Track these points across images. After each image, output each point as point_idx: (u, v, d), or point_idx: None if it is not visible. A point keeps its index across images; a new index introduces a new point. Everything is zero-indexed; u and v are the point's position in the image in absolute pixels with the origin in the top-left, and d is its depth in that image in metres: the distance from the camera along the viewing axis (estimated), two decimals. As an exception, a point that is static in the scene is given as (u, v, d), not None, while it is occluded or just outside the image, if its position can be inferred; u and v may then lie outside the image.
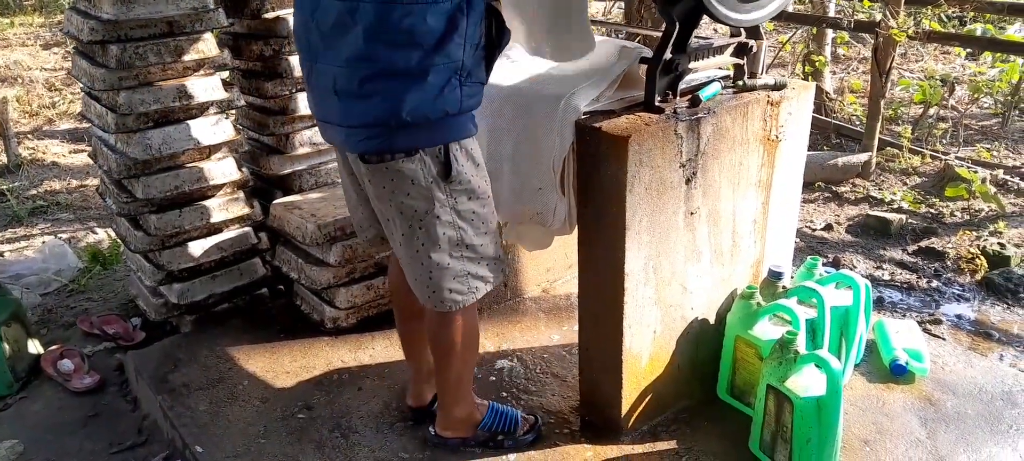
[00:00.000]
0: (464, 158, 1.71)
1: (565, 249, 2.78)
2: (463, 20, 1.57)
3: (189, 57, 2.56)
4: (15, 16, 9.45)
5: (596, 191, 1.90)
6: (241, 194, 2.77)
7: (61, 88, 6.68)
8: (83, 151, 5.22)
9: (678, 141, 1.88)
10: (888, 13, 4.09)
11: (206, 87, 2.62)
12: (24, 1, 10.02)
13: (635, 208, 1.85)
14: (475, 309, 1.92)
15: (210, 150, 2.68)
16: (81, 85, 2.69)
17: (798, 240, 3.54)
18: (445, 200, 1.70)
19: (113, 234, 3.48)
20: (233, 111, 2.96)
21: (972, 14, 5.50)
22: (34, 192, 4.69)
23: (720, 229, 2.07)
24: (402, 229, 1.74)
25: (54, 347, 2.79)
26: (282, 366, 2.47)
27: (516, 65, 2.18)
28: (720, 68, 2.11)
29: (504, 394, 2.29)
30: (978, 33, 6.04)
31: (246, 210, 2.76)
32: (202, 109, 2.64)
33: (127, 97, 2.48)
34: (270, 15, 2.79)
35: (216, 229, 2.72)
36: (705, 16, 1.89)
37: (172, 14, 2.48)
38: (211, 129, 2.65)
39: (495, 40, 1.68)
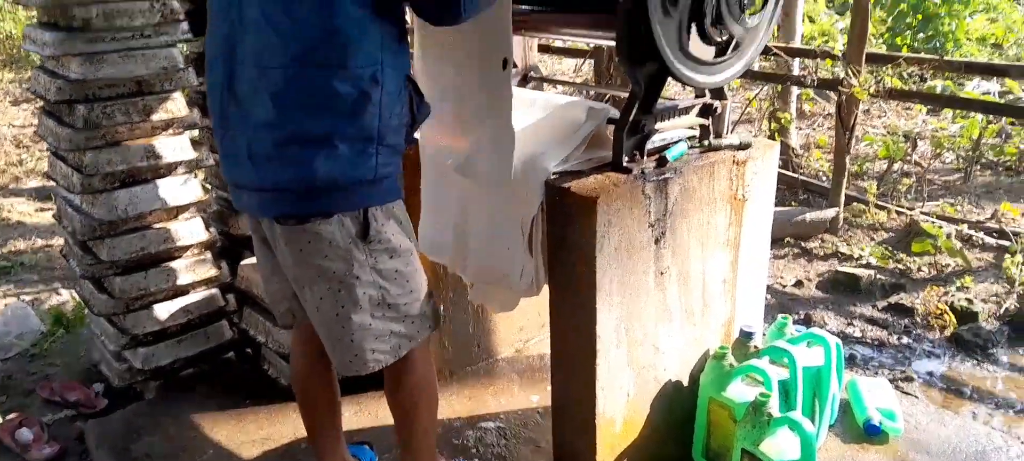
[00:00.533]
0: (384, 217, 1.68)
1: (538, 307, 2.76)
2: (376, 89, 1.57)
3: (158, 116, 2.54)
4: (-15, 73, 9.38)
5: (566, 252, 1.90)
6: (209, 255, 2.73)
7: (29, 145, 6.60)
8: (50, 209, 5.13)
9: (646, 201, 1.90)
10: (850, 72, 4.20)
11: (175, 146, 2.60)
12: (-5, 57, 9.95)
13: (605, 269, 1.84)
14: (428, 354, 1.89)
15: (178, 210, 2.65)
16: (47, 145, 2.66)
17: (769, 297, 3.56)
18: (364, 261, 1.66)
19: (77, 296, 3.41)
20: (202, 170, 2.93)
21: (932, 71, 5.68)
22: (-3, 252, 4.59)
23: (690, 289, 2.08)
24: (321, 293, 1.68)
25: (12, 416, 2.69)
26: (248, 434, 2.40)
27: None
28: (689, 128, 2.14)
29: None
30: (938, 90, 6.22)
31: (214, 271, 2.72)
32: (170, 169, 2.62)
33: (93, 157, 2.45)
34: (241, 76, 2.79)
35: (183, 291, 2.67)
36: (670, 78, 1.93)
37: (141, 74, 2.47)
38: (179, 189, 2.62)
39: (415, 109, 1.69)
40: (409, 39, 1.73)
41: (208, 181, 3.06)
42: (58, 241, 4.68)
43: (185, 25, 2.52)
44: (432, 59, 2.06)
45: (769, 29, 2.07)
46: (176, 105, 2.58)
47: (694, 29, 1.89)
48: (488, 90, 1.93)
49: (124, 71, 2.43)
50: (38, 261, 4.47)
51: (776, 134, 5.32)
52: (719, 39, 1.96)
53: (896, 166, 5.31)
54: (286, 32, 1.53)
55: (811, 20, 9.25)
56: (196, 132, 2.81)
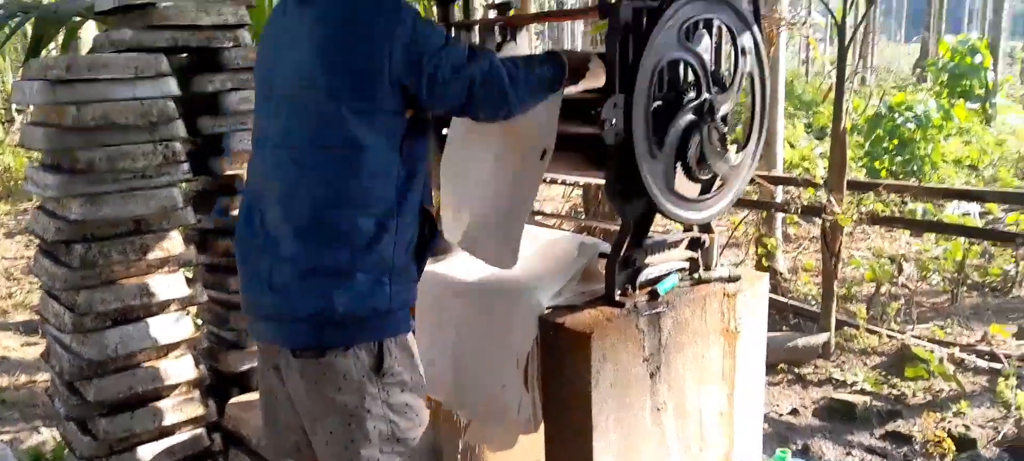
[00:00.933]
0: (398, 350, 1.70)
1: (532, 444, 2.70)
2: (394, 222, 1.64)
3: (154, 255, 2.57)
4: (-20, 205, 9.48)
5: (560, 387, 1.89)
6: (197, 393, 2.68)
7: (20, 278, 6.59)
8: (36, 344, 5.07)
9: (640, 335, 1.91)
10: (832, 200, 4.32)
11: (169, 284, 2.61)
12: (-9, 190, 10.09)
13: (601, 405, 1.83)
14: None
15: (168, 348, 2.63)
16: (40, 283, 2.66)
17: (766, 426, 3.51)
18: (377, 394, 1.67)
19: (59, 436, 3.32)
20: (195, 306, 2.93)
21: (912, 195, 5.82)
22: (-21, 389, 4.50)
23: (688, 423, 2.06)
24: (331, 427, 1.68)
25: None
26: None
27: (478, 260, 2.22)
28: (680, 261, 2.17)
29: None
30: (919, 213, 6.37)
31: (201, 411, 2.67)
32: (163, 307, 2.61)
33: (87, 296, 2.45)
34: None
35: (168, 431, 2.61)
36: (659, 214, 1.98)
37: (141, 213, 2.51)
38: (171, 327, 2.61)
39: (427, 240, 1.75)
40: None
41: (200, 317, 3.05)
42: (42, 377, 4.59)
43: (186, 165, 2.58)
44: (473, 141, 2.10)
45: (752, 166, 2.15)
46: (173, 243, 2.61)
47: (680, 168, 1.96)
48: (520, 176, 1.98)
49: (124, 211, 2.47)
50: (20, 399, 4.37)
51: (763, 260, 5.39)
52: (704, 178, 2.03)
53: (883, 289, 5.36)
54: (314, 176, 1.61)
55: (791, 145, 9.57)
56: (191, 270, 2.83)
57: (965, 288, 5.62)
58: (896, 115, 8.53)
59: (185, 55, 2.80)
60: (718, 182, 2.09)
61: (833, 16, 4.80)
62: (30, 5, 3.16)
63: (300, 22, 1.66)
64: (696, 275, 2.14)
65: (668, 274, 2.10)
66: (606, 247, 2.16)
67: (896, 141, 8.47)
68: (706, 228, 2.17)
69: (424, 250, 1.77)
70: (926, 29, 19.65)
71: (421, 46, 1.61)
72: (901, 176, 8.26)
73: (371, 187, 1.62)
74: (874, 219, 4.44)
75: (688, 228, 2.17)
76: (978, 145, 9.62)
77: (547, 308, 1.96)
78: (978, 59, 11.24)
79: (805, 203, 4.75)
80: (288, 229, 1.63)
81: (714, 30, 1.99)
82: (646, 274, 2.06)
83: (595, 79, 1.88)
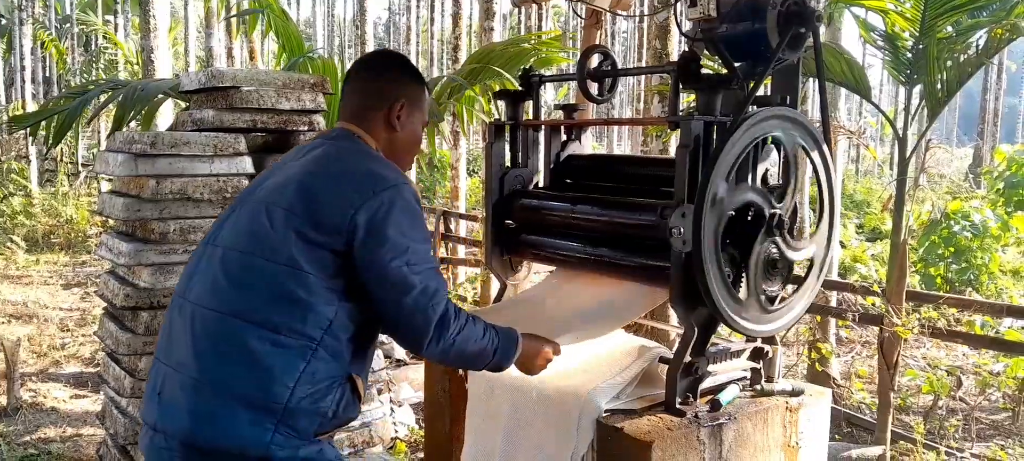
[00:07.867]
0: None
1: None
2: (303, 363, 1.55)
3: (215, 326, 2.61)
4: (42, 253, 9.81)
5: (617, 497, 1.85)
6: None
7: (73, 329, 6.75)
8: (85, 396, 5.15)
9: (701, 447, 1.87)
10: (891, 310, 4.21)
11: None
12: (52, 239, 10.45)
13: (658, 518, 1.78)
14: None
15: (221, 418, 2.64)
16: (104, 345, 2.73)
17: (819, 542, 3.36)
18: None
19: (103, 495, 3.33)
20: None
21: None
22: (28, 438, 4.56)
23: (746, 543, 1.98)
24: None
25: None
26: None
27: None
28: (742, 371, 2.13)
29: None
30: (978, 324, 6.16)
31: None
32: (219, 377, 2.65)
33: (149, 363, 2.49)
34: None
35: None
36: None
37: (205, 284, 2.57)
38: (225, 397, 2.64)
39: (340, 411, 1.63)
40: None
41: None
42: (87, 430, 4.65)
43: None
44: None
45: (819, 281, 2.12)
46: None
47: (745, 279, 1.95)
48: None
49: (191, 281, 2.53)
50: (65, 451, 4.41)
51: (817, 364, 5.26)
52: (769, 290, 2.01)
53: (941, 402, 5.17)
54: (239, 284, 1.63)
55: (843, 245, 9.44)
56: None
57: (1027, 407, 5.38)
58: (952, 223, 8.37)
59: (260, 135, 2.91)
60: (781, 295, 2.06)
61: (895, 128, 4.78)
62: (119, 83, 3.33)
63: (300, 157, 1.71)
64: (758, 387, 2.11)
65: (729, 384, 2.07)
66: (666, 351, 2.14)
67: (952, 249, 8.28)
68: (770, 339, 2.14)
69: (334, 415, 1.61)
70: (980, 136, 19.46)
71: (392, 224, 1.57)
72: (957, 284, 8.04)
73: (292, 314, 1.54)
74: (934, 332, 4.31)
75: (751, 338, 2.14)
76: (1038, 256, 9.36)
77: (605, 411, 1.93)
78: (1035, 170, 11.03)
79: (862, 310, 4.65)
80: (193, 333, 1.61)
81: (782, 147, 2.00)
82: (707, 382, 2.03)
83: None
